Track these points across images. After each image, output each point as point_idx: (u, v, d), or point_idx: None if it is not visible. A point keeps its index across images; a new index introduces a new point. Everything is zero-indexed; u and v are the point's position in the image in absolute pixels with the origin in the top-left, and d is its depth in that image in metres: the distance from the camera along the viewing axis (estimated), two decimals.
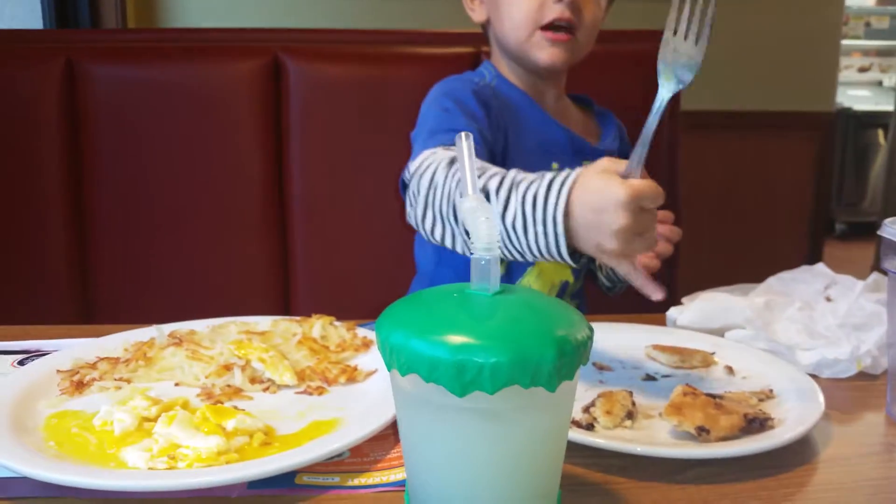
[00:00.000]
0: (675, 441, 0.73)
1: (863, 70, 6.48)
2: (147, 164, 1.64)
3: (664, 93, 0.78)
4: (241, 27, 1.81)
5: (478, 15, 1.28)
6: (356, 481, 0.66)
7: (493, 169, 0.89)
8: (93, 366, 0.87)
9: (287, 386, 0.85)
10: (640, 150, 0.77)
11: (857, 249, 4.93)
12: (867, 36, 6.43)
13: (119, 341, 0.95)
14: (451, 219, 0.91)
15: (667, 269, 1.30)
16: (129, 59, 1.66)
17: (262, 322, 1.00)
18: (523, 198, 0.82)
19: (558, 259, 0.82)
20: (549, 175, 0.83)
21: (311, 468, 0.67)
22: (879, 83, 6.45)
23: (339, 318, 1.01)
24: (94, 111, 1.61)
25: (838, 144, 5.65)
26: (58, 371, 0.85)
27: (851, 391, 0.89)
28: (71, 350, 0.91)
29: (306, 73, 1.63)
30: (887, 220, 0.79)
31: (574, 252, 0.82)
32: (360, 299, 1.55)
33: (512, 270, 1.23)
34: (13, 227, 1.62)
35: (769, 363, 0.91)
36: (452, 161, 0.94)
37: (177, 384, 0.85)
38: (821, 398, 0.79)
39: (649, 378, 0.89)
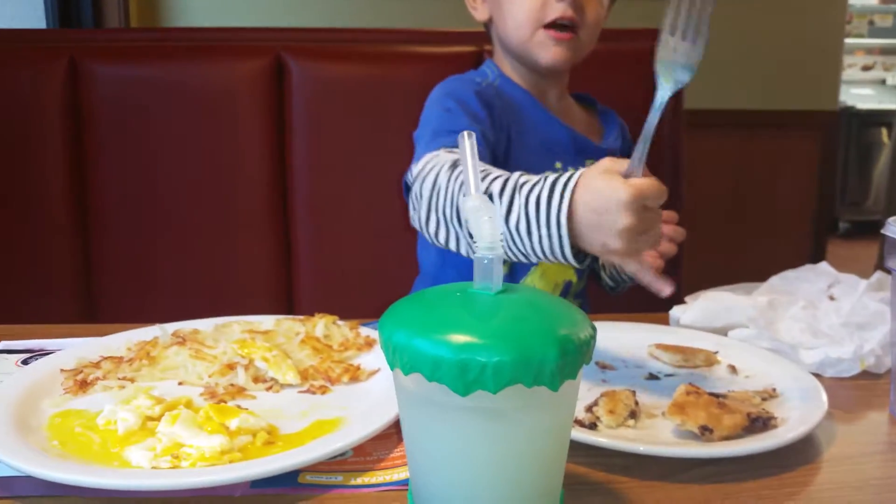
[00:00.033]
0: (678, 440, 0.73)
1: (866, 68, 6.47)
2: (150, 164, 1.64)
3: (662, 93, 0.77)
4: (244, 26, 1.81)
5: (480, 14, 1.28)
6: (359, 480, 0.66)
7: (496, 171, 0.89)
8: (96, 365, 0.87)
9: (290, 385, 0.85)
10: (642, 149, 0.77)
11: (860, 248, 4.93)
12: (871, 34, 6.42)
13: (122, 340, 0.95)
14: (455, 222, 0.91)
15: (670, 269, 1.30)
16: (131, 58, 1.66)
17: (266, 321, 1.00)
18: (526, 200, 0.82)
19: (562, 261, 0.82)
20: (551, 177, 0.83)
21: (314, 467, 0.67)
22: (883, 81, 6.44)
23: (342, 318, 1.01)
24: (97, 110, 1.61)
25: (842, 143, 5.64)
26: (61, 370, 0.86)
27: (855, 390, 0.89)
28: (74, 349, 0.91)
29: (309, 73, 1.63)
30: (891, 219, 0.79)
31: (578, 253, 0.82)
32: (363, 298, 1.55)
33: (515, 270, 1.23)
34: (16, 226, 1.62)
35: (772, 362, 0.91)
36: (455, 164, 0.94)
37: (180, 383, 0.85)
38: (824, 397, 0.78)
39: (652, 377, 0.89)
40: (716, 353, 0.95)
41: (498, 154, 1.18)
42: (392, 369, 0.52)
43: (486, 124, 1.15)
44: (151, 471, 0.65)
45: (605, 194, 0.76)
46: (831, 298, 1.05)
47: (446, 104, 1.16)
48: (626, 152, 1.33)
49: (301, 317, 1.01)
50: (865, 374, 0.92)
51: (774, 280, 1.12)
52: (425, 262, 1.34)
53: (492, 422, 0.51)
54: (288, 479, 0.66)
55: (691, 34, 0.76)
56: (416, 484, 0.56)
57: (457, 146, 0.98)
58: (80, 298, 1.64)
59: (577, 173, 0.80)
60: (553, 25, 1.16)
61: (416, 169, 1.01)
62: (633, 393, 0.79)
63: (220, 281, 1.66)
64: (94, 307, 1.65)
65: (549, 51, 1.17)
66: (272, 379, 0.85)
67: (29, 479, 0.65)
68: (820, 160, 2.68)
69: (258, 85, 1.63)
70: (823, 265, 1.12)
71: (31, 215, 1.63)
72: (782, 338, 0.96)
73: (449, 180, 0.92)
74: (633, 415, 0.76)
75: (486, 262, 0.53)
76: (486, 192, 0.85)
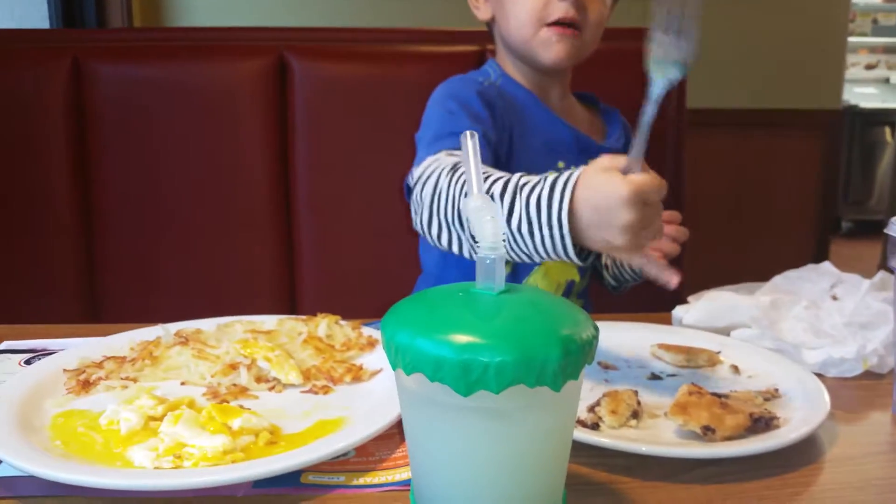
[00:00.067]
0: (681, 440, 0.73)
1: (870, 67, 6.46)
2: (153, 163, 1.64)
3: (655, 90, 0.77)
4: (247, 26, 1.81)
5: (483, 13, 1.28)
6: (361, 480, 0.66)
7: (497, 173, 0.89)
8: (99, 365, 0.87)
9: (292, 385, 0.85)
10: (639, 145, 0.77)
11: (863, 248, 4.92)
12: (874, 33, 6.42)
13: (125, 340, 0.95)
14: (457, 225, 0.91)
15: (673, 268, 1.30)
16: (135, 58, 1.66)
17: (268, 321, 1.00)
18: (527, 201, 0.82)
19: (565, 259, 0.83)
20: (550, 177, 0.83)
21: (317, 467, 0.67)
22: (886, 80, 6.43)
23: (344, 317, 1.01)
24: (101, 110, 1.61)
25: (845, 142, 5.63)
26: (64, 370, 0.86)
27: (857, 390, 0.89)
28: (77, 349, 0.91)
29: (312, 72, 1.63)
30: (894, 218, 0.79)
31: (581, 250, 0.82)
32: (365, 298, 1.55)
33: (518, 270, 1.23)
34: (20, 226, 1.62)
35: (775, 362, 0.90)
36: (455, 167, 0.94)
37: (183, 383, 0.86)
38: (826, 397, 0.78)
39: (655, 377, 0.89)
40: (718, 352, 0.95)
41: (500, 154, 1.18)
42: (394, 369, 0.52)
43: (488, 125, 1.15)
44: (154, 471, 0.65)
45: (606, 192, 0.76)
46: (834, 298, 1.04)
47: (448, 105, 1.16)
48: (628, 152, 1.33)
49: (303, 317, 1.01)
50: (868, 375, 0.92)
51: (777, 280, 1.12)
52: (427, 263, 1.34)
53: (494, 422, 0.51)
54: (290, 480, 0.66)
55: (682, 31, 0.77)
56: (418, 484, 0.56)
57: (458, 148, 1.00)
58: (83, 298, 1.64)
59: (577, 172, 0.81)
60: (556, 23, 1.16)
61: (416, 173, 1.01)
62: (636, 393, 0.79)
63: (222, 281, 1.66)
64: (97, 307, 1.65)
65: (552, 49, 1.17)
66: (275, 379, 0.85)
67: (32, 479, 0.65)
68: (823, 159, 2.68)
69: (261, 85, 1.63)
70: (826, 265, 1.12)
71: (35, 215, 1.63)
72: (785, 338, 0.96)
73: (450, 184, 0.92)
74: (636, 415, 0.76)
75: (488, 262, 0.53)
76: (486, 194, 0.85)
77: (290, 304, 1.68)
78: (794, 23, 2.63)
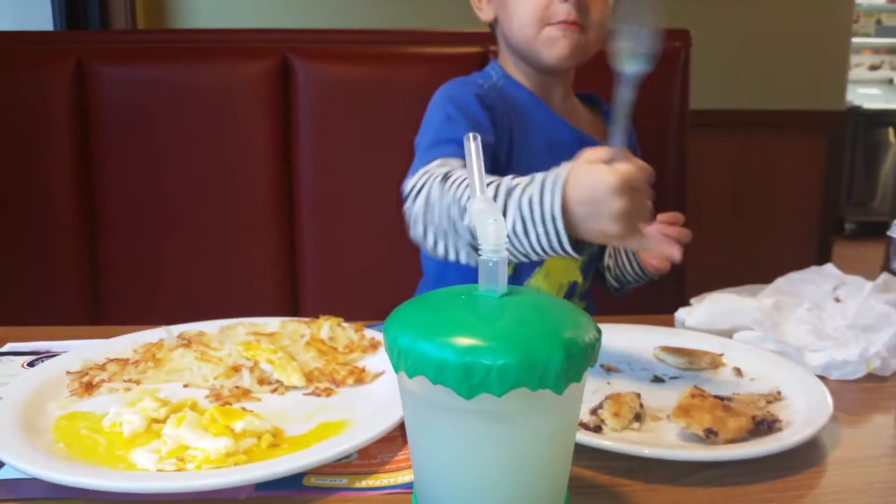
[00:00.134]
0: (683, 443, 0.73)
1: (873, 68, 6.44)
2: (156, 165, 1.65)
3: (626, 83, 0.80)
4: (250, 28, 1.82)
5: (485, 14, 1.28)
6: (364, 483, 0.66)
7: (487, 178, 0.89)
8: (102, 367, 0.88)
9: (295, 387, 0.85)
10: (619, 136, 0.80)
11: (866, 249, 4.91)
12: (878, 34, 6.40)
13: (128, 342, 0.95)
14: (452, 232, 0.93)
15: (676, 270, 1.30)
16: (138, 59, 1.66)
17: (271, 323, 1.00)
18: (519, 202, 0.84)
19: (562, 254, 0.84)
20: (539, 177, 0.85)
21: (319, 470, 0.67)
22: (890, 81, 6.41)
23: (347, 320, 1.01)
24: (104, 112, 1.62)
25: (848, 143, 5.62)
26: (67, 372, 0.86)
27: (860, 393, 0.89)
28: (80, 351, 0.92)
29: (315, 74, 1.63)
30: None
31: (577, 244, 0.84)
32: (368, 300, 1.56)
33: (519, 271, 1.22)
34: (23, 227, 1.63)
35: (777, 365, 0.90)
36: (447, 175, 0.96)
37: (185, 385, 0.86)
38: (829, 400, 0.78)
39: (657, 380, 0.89)
40: (721, 355, 0.94)
41: (500, 157, 1.18)
42: (397, 372, 0.52)
43: (487, 129, 1.15)
44: (156, 473, 0.65)
45: (594, 184, 0.79)
46: (837, 300, 1.04)
47: (447, 109, 1.17)
48: (630, 152, 1.33)
49: (306, 319, 1.01)
50: (871, 377, 0.92)
51: (780, 282, 1.12)
52: (428, 267, 1.35)
53: (496, 425, 0.51)
54: (293, 482, 0.66)
55: (646, 24, 0.80)
56: (420, 487, 0.56)
57: (452, 156, 1.03)
58: (86, 300, 1.64)
59: (565, 169, 0.83)
60: (558, 24, 1.17)
61: (409, 184, 1.02)
62: (638, 395, 0.79)
63: (225, 282, 1.66)
64: (100, 308, 1.65)
65: (555, 47, 1.17)
66: (277, 381, 0.85)
67: (35, 482, 0.65)
68: (826, 160, 2.67)
69: (264, 86, 1.63)
70: (829, 267, 1.12)
71: (38, 216, 1.63)
72: (788, 340, 0.96)
73: (442, 193, 0.94)
74: (638, 417, 0.76)
75: (490, 264, 0.53)
76: None
77: (292, 305, 1.68)
78: (797, 23, 2.63)
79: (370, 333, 0.98)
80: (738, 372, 0.91)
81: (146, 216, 1.65)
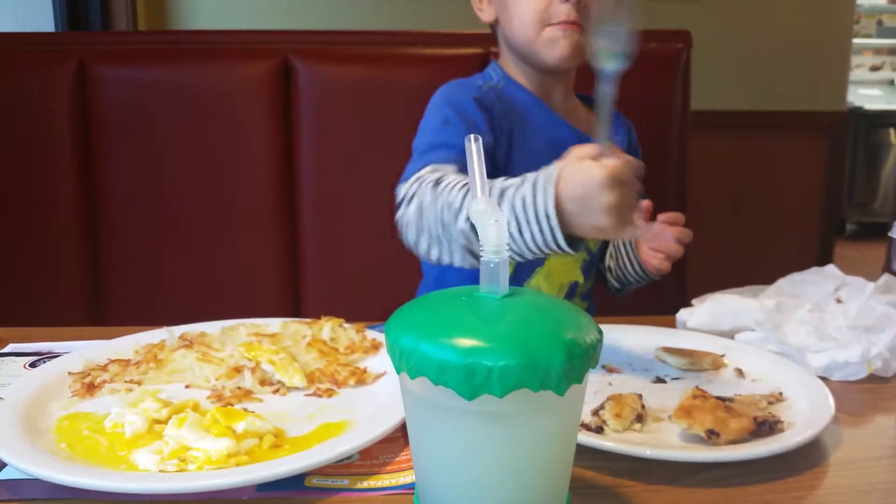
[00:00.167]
0: (685, 444, 0.73)
1: (874, 69, 6.44)
2: (158, 166, 1.65)
3: (606, 81, 0.82)
4: (251, 29, 1.82)
5: (486, 15, 1.28)
6: (365, 484, 0.66)
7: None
8: (104, 368, 0.88)
9: (297, 388, 0.85)
10: (604, 133, 0.82)
11: (868, 250, 4.89)
12: (879, 34, 6.39)
13: (130, 343, 0.95)
14: (446, 237, 0.95)
15: (677, 271, 1.30)
16: (140, 61, 1.66)
17: (272, 324, 1.00)
18: (513, 202, 0.86)
19: (556, 250, 0.87)
20: (530, 177, 0.88)
21: (321, 470, 0.67)
22: (891, 82, 6.41)
23: (348, 320, 1.01)
24: (106, 113, 1.62)
25: (849, 144, 5.62)
26: (69, 373, 0.86)
27: (862, 394, 0.89)
28: (82, 352, 0.92)
29: (316, 75, 1.63)
30: None
31: (571, 241, 0.86)
32: (369, 301, 1.55)
33: (520, 271, 1.22)
34: (25, 228, 1.63)
35: (779, 365, 0.90)
36: (439, 181, 0.98)
37: (187, 386, 0.86)
38: (831, 401, 0.78)
39: (659, 381, 0.89)
40: (723, 356, 0.95)
41: (498, 158, 1.19)
42: (398, 373, 0.52)
43: (485, 131, 1.16)
44: (158, 474, 0.65)
45: (584, 180, 0.81)
46: (838, 301, 1.04)
47: (444, 112, 1.17)
48: (632, 152, 1.33)
49: (307, 320, 1.01)
50: (873, 378, 0.92)
51: (781, 283, 1.12)
52: (428, 267, 1.35)
53: (498, 426, 0.51)
54: (294, 483, 0.66)
55: (625, 24, 0.82)
56: (422, 487, 0.56)
57: (446, 161, 1.05)
58: (87, 301, 1.65)
59: (555, 168, 0.85)
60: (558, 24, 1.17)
61: (401, 192, 1.04)
62: (640, 396, 0.79)
63: (226, 283, 1.66)
64: (101, 309, 1.65)
65: (556, 47, 1.17)
66: (279, 382, 0.85)
67: (36, 482, 0.65)
68: (827, 161, 2.67)
69: (265, 87, 1.63)
70: (830, 268, 1.12)
71: (40, 218, 1.63)
72: (789, 341, 0.96)
73: (434, 198, 0.96)
74: (640, 418, 0.76)
75: (492, 265, 0.53)
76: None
77: (294, 306, 1.68)
78: (798, 24, 2.63)
79: (371, 334, 0.98)
80: (740, 373, 0.91)
81: (148, 217, 1.65)
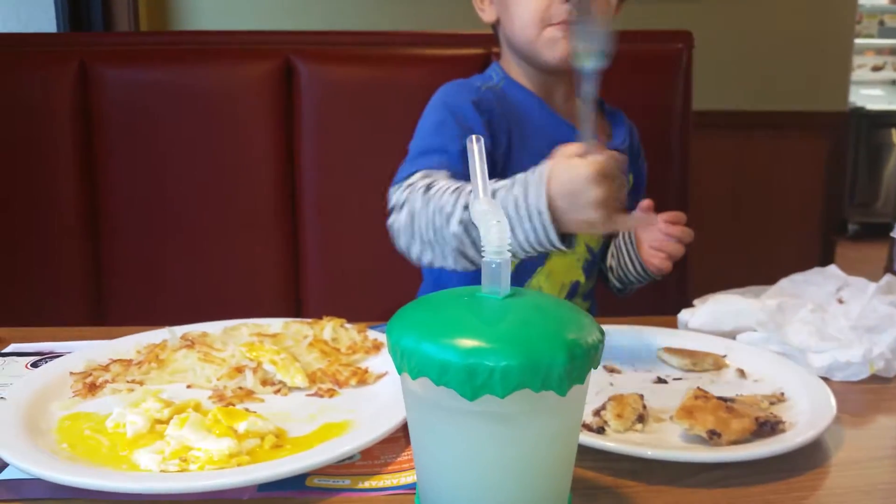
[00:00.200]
0: (686, 444, 0.73)
1: (876, 69, 6.43)
2: (159, 167, 1.65)
3: (586, 80, 0.85)
4: (253, 30, 1.82)
5: (488, 15, 1.28)
6: (367, 484, 0.66)
7: (469, 185, 0.96)
8: (105, 368, 0.88)
9: (298, 388, 0.85)
10: (587, 130, 0.87)
11: (869, 250, 4.89)
12: (881, 34, 6.39)
13: (131, 343, 0.95)
14: (438, 241, 0.98)
15: (678, 271, 1.30)
16: (141, 61, 1.67)
17: (274, 324, 1.00)
18: (504, 202, 0.89)
19: (549, 247, 0.90)
20: (520, 177, 0.92)
21: (322, 471, 0.67)
22: (893, 82, 6.40)
23: (349, 320, 1.01)
24: (107, 114, 1.62)
25: (851, 144, 5.61)
26: (71, 373, 0.86)
27: (864, 394, 0.89)
28: (84, 352, 0.92)
29: (318, 76, 1.64)
30: None
31: (564, 237, 0.90)
32: (371, 301, 1.55)
33: (521, 271, 1.22)
34: (27, 229, 1.63)
35: (781, 366, 0.90)
36: (429, 186, 1.01)
37: (189, 386, 0.86)
38: (833, 401, 0.78)
39: (660, 381, 0.89)
40: (724, 356, 0.94)
41: (497, 160, 1.19)
42: (400, 373, 0.52)
43: (481, 134, 1.16)
44: (160, 474, 0.65)
45: (572, 177, 0.86)
46: (840, 301, 1.04)
47: (440, 115, 1.19)
48: (633, 153, 1.33)
49: (309, 320, 1.01)
50: (874, 378, 0.92)
51: (783, 283, 1.12)
52: (426, 270, 1.35)
53: (499, 426, 0.51)
54: (296, 483, 0.66)
55: (601, 24, 0.86)
56: (423, 488, 0.56)
57: (437, 167, 1.08)
58: (89, 301, 1.65)
59: (546, 168, 0.89)
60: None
61: (392, 199, 1.07)
62: (641, 397, 0.79)
63: (228, 283, 1.66)
64: (103, 309, 1.66)
65: (557, 47, 1.17)
66: (280, 382, 0.86)
67: (38, 482, 0.65)
68: (829, 161, 2.67)
69: (267, 88, 1.63)
70: (832, 268, 1.12)
71: (41, 218, 1.63)
72: (791, 341, 0.96)
73: (425, 204, 0.99)
74: (641, 419, 0.76)
75: (493, 266, 0.53)
76: (465, 206, 0.94)
77: (295, 306, 1.68)
78: (799, 24, 2.62)
79: (373, 334, 0.98)
80: (742, 373, 0.91)
81: (149, 217, 1.65)
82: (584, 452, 0.68)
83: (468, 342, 0.48)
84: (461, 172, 1.08)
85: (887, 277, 1.05)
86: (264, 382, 0.85)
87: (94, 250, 1.64)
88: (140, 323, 1.04)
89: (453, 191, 0.98)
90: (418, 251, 1.03)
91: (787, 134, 2.63)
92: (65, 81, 1.60)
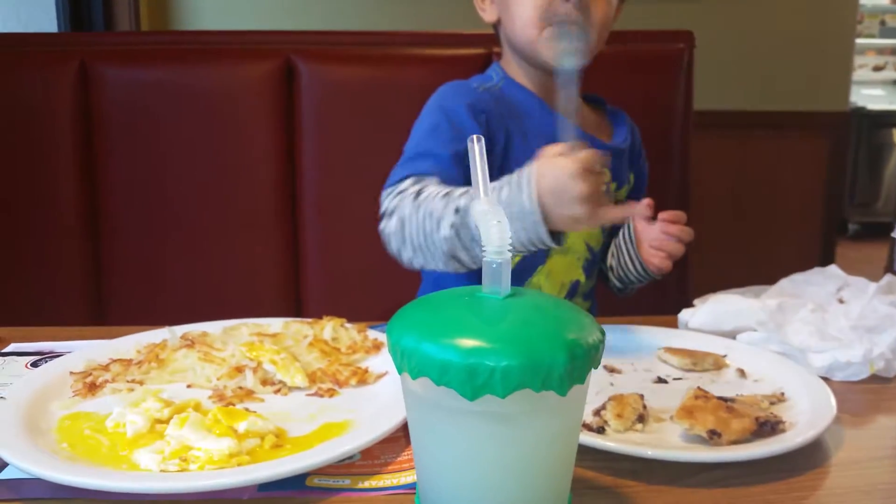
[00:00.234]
0: (687, 444, 0.73)
1: (877, 69, 6.43)
2: (160, 166, 1.65)
3: (566, 79, 0.89)
4: (254, 29, 1.82)
5: (489, 15, 1.28)
6: (367, 484, 0.66)
7: (459, 189, 1.00)
8: (105, 367, 0.88)
9: (298, 388, 0.85)
10: (570, 129, 0.92)
11: (870, 250, 4.89)
12: (882, 34, 6.39)
13: (132, 343, 0.95)
14: (429, 245, 1.00)
15: (679, 271, 1.30)
16: (142, 61, 1.66)
17: (274, 324, 1.00)
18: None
19: (540, 245, 0.94)
20: (506, 179, 0.95)
21: (322, 470, 0.67)
22: (894, 82, 6.40)
23: (350, 320, 1.01)
24: (108, 113, 1.62)
25: (852, 144, 5.61)
26: (71, 373, 0.86)
27: (864, 394, 0.89)
28: (84, 352, 0.92)
29: (319, 76, 1.63)
30: None
31: (554, 235, 0.93)
32: (371, 301, 1.55)
33: (521, 270, 1.22)
34: (27, 228, 1.63)
35: (781, 366, 0.90)
36: (419, 192, 1.03)
37: (189, 386, 0.86)
38: (833, 401, 0.78)
39: (660, 381, 0.89)
40: (724, 356, 0.94)
41: (493, 160, 1.19)
42: (400, 373, 0.52)
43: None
44: (160, 474, 0.65)
45: (557, 174, 0.89)
46: (840, 301, 1.04)
47: (435, 119, 1.19)
48: (634, 152, 1.33)
49: (309, 319, 1.01)
50: (875, 378, 0.91)
51: (783, 283, 1.12)
52: (425, 271, 1.35)
53: (500, 426, 0.51)
54: (296, 483, 0.66)
55: (581, 25, 0.91)
56: (423, 488, 0.56)
57: (429, 172, 1.10)
58: (89, 300, 1.65)
59: (532, 168, 0.93)
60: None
61: (383, 205, 1.09)
62: (642, 397, 0.79)
63: (228, 283, 1.66)
64: (103, 309, 1.66)
65: (556, 48, 1.17)
66: (280, 382, 0.86)
67: (38, 482, 0.65)
68: (830, 161, 2.66)
69: (268, 88, 1.63)
70: (833, 268, 1.12)
71: (41, 217, 1.63)
72: (791, 341, 0.96)
73: (415, 210, 1.02)
74: (641, 419, 0.76)
75: (494, 266, 0.53)
76: (455, 210, 0.97)
77: (295, 306, 1.68)
78: (800, 24, 2.62)
79: (373, 334, 0.98)
80: (742, 373, 0.91)
81: (150, 217, 1.65)
82: (584, 452, 0.68)
83: (469, 342, 0.49)
84: (452, 177, 1.09)
85: (888, 277, 1.05)
86: (264, 382, 0.85)
87: (94, 250, 1.64)
88: (140, 323, 1.04)
89: (443, 196, 1.00)
90: (409, 255, 1.06)
91: (787, 134, 2.62)
92: (65, 81, 1.60)
